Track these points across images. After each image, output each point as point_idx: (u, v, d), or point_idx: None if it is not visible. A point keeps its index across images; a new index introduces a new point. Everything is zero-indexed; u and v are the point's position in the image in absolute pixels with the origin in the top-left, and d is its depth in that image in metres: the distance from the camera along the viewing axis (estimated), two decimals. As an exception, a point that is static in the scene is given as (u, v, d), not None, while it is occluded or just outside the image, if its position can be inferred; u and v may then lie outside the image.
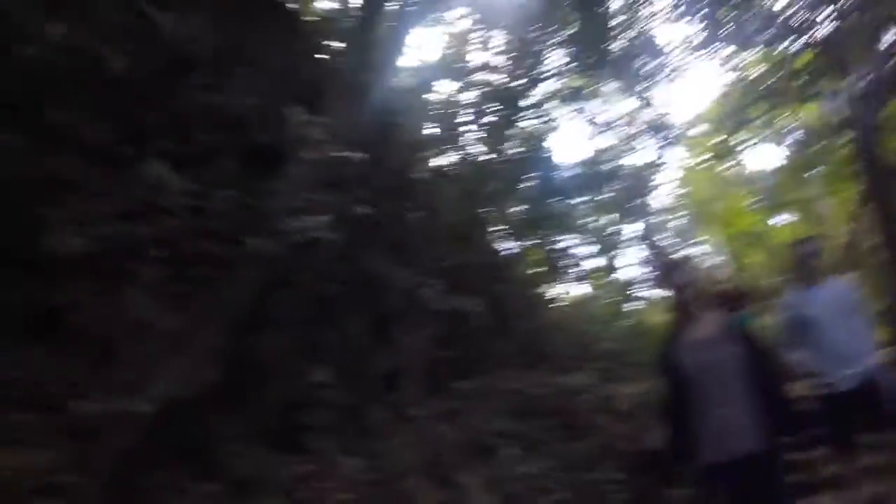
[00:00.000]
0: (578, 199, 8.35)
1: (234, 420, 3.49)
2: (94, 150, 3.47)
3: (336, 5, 6.26)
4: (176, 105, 3.90)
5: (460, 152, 7.10)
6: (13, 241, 3.17)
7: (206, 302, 3.48)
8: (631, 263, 9.28)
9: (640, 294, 8.74)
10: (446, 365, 4.63)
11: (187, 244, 3.52)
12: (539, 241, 7.42)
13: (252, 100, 4.19)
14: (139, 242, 3.38)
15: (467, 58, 7.75)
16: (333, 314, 4.05)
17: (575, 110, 8.78)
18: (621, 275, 8.90)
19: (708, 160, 12.32)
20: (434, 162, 6.56)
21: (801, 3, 8.75)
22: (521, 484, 4.44)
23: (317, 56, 5.47)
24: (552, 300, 7.54)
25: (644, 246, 9.90)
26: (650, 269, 9.17)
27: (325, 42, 5.71)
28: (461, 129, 7.23)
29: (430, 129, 6.84)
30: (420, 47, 9.66)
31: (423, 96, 7.00)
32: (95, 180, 3.41)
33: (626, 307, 8.40)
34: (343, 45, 5.68)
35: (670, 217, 12.45)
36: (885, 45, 8.27)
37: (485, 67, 7.73)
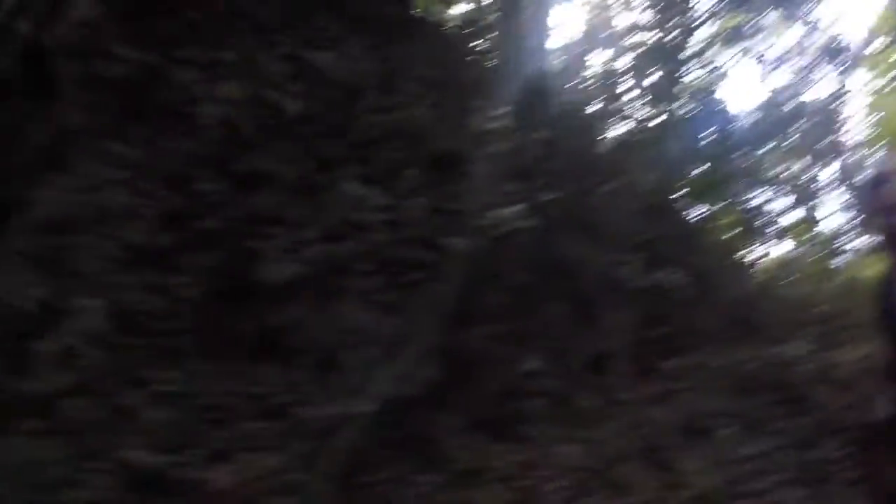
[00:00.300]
0: (764, 149, 7.69)
1: (451, 413, 3.61)
2: (290, 185, 3.81)
3: (471, 5, 6.33)
4: (354, 131, 4.17)
5: (631, 120, 6.80)
6: (233, 275, 3.58)
7: (416, 305, 3.63)
8: (833, 212, 8.41)
9: (848, 245, 7.91)
10: (652, 344, 4.45)
11: (390, 254, 3.74)
12: (730, 200, 6.94)
13: (420, 111, 4.37)
14: (345, 259, 3.66)
15: (614, 23, 7.36)
16: (536, 302, 4.06)
17: (739, 52, 8.00)
18: (825, 226, 8.09)
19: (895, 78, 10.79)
20: (608, 135, 6.34)
21: None
22: (741, 466, 4.20)
23: (468, 58, 5.59)
24: (753, 264, 7.02)
25: (844, 189, 8.94)
26: (856, 211, 8.24)
27: (472, 43, 5.82)
28: (626, 96, 6.93)
29: (595, 103, 6.62)
30: (565, 25, 9.40)
31: (581, 72, 6.81)
32: (297, 211, 3.75)
33: (835, 262, 7.64)
34: (490, 41, 5.69)
35: (867, 151, 11.13)
36: None
37: (635, 28, 7.29)
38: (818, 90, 8.54)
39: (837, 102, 8.77)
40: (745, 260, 6.90)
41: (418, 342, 3.55)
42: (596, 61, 7.19)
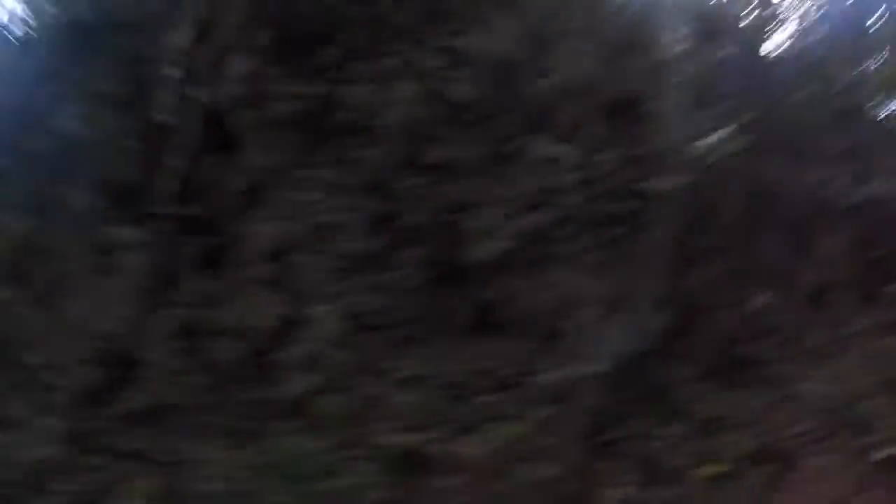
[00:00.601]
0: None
1: (683, 363, 3.61)
2: (478, 166, 3.92)
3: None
4: (525, 101, 4.14)
5: (792, 23, 6.28)
6: (444, 261, 3.76)
7: (629, 257, 3.63)
8: None
9: None
10: (873, 267, 4.13)
11: (593, 211, 3.74)
12: (919, 91, 6.26)
13: (582, 64, 4.28)
14: (549, 226, 3.71)
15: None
16: (748, 235, 3.94)
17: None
18: None
19: None
20: (774, 44, 5.90)
21: None
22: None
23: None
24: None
25: None
26: None
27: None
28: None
29: (751, 13, 6.17)
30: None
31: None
32: (491, 189, 3.85)
33: None
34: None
35: None
36: None
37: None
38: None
39: None
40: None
41: (638, 295, 3.56)
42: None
